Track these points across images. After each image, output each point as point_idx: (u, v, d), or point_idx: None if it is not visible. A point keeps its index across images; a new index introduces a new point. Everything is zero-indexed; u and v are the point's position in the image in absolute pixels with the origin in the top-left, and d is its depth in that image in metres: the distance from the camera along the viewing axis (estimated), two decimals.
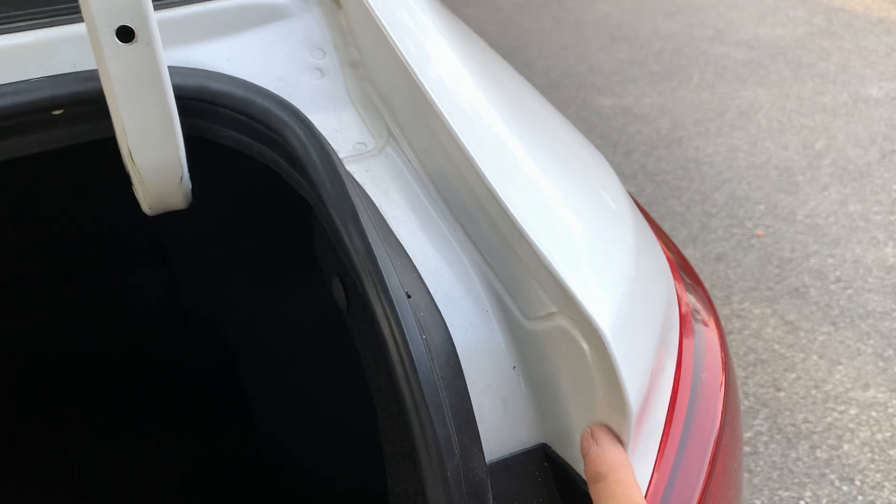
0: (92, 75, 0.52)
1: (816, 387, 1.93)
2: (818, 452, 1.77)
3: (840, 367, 1.96)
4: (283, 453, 1.28)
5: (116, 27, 0.45)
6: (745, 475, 1.74)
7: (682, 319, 0.59)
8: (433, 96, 0.56)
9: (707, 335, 0.59)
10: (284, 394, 1.22)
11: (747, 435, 1.83)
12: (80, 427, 1.39)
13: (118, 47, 0.45)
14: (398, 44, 0.59)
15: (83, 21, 0.55)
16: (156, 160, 0.50)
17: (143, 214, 1.40)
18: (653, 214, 2.51)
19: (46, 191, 1.18)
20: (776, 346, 2.04)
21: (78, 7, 0.56)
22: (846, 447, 1.78)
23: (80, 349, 1.48)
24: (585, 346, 0.43)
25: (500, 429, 0.48)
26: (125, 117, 0.47)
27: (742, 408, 1.89)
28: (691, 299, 0.64)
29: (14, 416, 1.39)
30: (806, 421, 1.85)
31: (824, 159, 2.76)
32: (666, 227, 2.46)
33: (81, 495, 1.29)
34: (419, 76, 0.57)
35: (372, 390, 0.57)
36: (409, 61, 0.58)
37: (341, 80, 0.61)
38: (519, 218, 0.49)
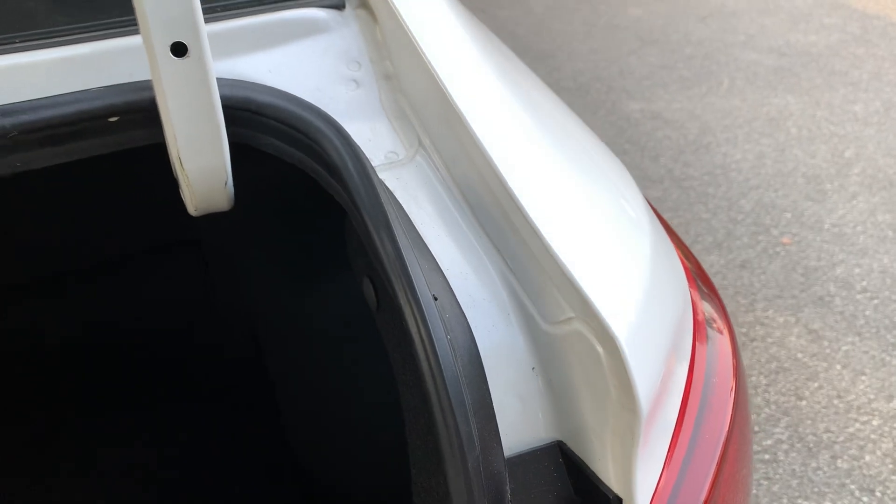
0: (145, 85, 0.56)
1: (839, 397, 1.92)
2: (839, 462, 1.77)
3: (864, 378, 1.95)
4: (307, 442, 1.32)
5: (171, 43, 0.49)
6: (765, 483, 1.75)
7: (697, 326, 0.62)
8: (461, 108, 0.59)
9: (720, 342, 0.62)
10: (310, 385, 1.26)
11: (767, 442, 1.83)
12: (114, 410, 1.45)
13: (172, 61, 0.49)
14: (429, 58, 0.62)
15: (136, 34, 0.59)
16: (203, 166, 0.53)
17: (178, 210, 1.45)
18: (678, 220, 2.52)
19: (91, 189, 1.24)
20: (799, 355, 2.03)
21: (131, 20, 0.60)
22: (868, 458, 1.77)
23: (117, 336, 1.54)
24: (601, 350, 0.46)
25: (519, 425, 0.51)
26: (176, 126, 0.51)
27: (763, 415, 1.89)
28: (707, 307, 0.66)
29: (58, 399, 1.45)
30: (827, 430, 1.84)
31: (853, 168, 2.74)
32: (691, 233, 2.47)
33: (117, 473, 1.34)
34: (448, 89, 0.60)
35: (399, 386, 0.60)
36: (440, 74, 0.61)
37: (375, 91, 0.65)
38: (540, 227, 0.52)
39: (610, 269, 0.52)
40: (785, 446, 1.81)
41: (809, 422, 1.87)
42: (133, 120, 0.55)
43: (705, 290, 0.69)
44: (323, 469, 1.23)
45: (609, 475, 0.49)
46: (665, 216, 2.52)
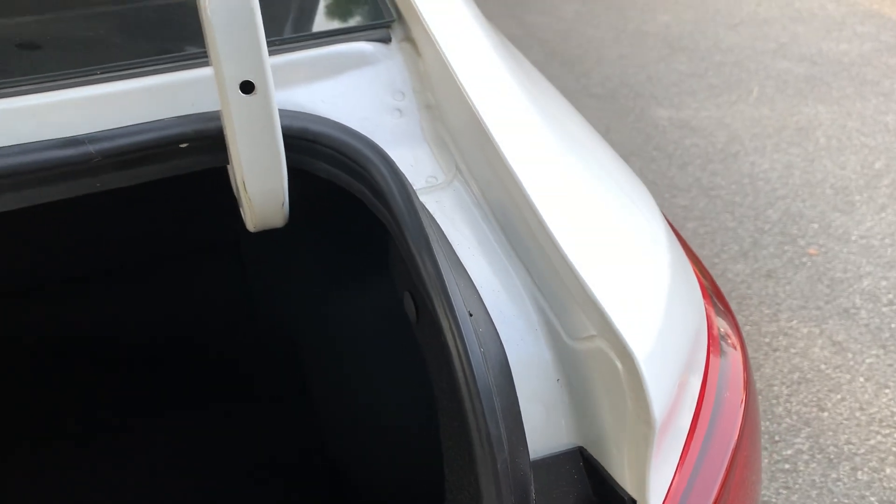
0: (213, 116, 0.62)
1: (861, 409, 1.94)
2: (859, 474, 1.79)
3: (887, 391, 1.97)
4: (340, 442, 1.38)
5: (240, 82, 0.55)
6: (784, 492, 1.78)
7: (712, 341, 0.66)
8: (495, 137, 0.65)
9: (733, 357, 0.66)
10: (343, 387, 1.32)
11: (787, 452, 1.86)
12: (151, 408, 1.51)
13: (241, 98, 0.55)
14: (467, 89, 0.68)
15: (198, 67, 0.65)
16: (264, 189, 0.60)
17: (220, 215, 1.52)
18: (705, 229, 2.54)
19: (139, 192, 1.32)
20: (822, 366, 2.05)
21: (193, 54, 0.67)
22: (888, 470, 1.79)
23: (158, 333, 1.62)
24: (620, 366, 0.51)
25: (543, 431, 0.57)
26: (242, 154, 0.57)
27: (784, 425, 1.92)
28: (721, 323, 0.71)
29: (95, 395, 1.53)
30: (848, 442, 1.86)
31: (883, 179, 2.74)
32: (717, 242, 2.49)
33: (153, 470, 1.41)
34: (483, 119, 0.66)
35: (435, 391, 0.66)
36: (476, 105, 0.67)
37: (417, 120, 0.70)
38: (566, 249, 0.57)
39: (630, 288, 0.57)
40: (805, 457, 1.84)
41: (831, 433, 1.89)
42: (200, 146, 0.62)
43: (720, 307, 0.73)
44: (355, 467, 1.29)
45: (625, 478, 0.54)
46: (691, 225, 2.56)
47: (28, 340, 1.55)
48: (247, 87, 0.55)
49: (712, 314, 0.70)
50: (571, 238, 0.58)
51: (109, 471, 1.41)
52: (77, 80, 0.62)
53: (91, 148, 0.58)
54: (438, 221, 0.63)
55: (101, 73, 0.63)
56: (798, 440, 1.87)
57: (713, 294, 0.75)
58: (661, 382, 0.52)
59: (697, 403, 0.60)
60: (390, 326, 1.01)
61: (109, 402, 1.52)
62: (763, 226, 2.55)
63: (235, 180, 0.63)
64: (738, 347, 0.68)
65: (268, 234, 1.45)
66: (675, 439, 0.57)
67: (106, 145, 0.58)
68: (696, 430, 0.58)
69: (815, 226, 2.53)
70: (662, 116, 3.20)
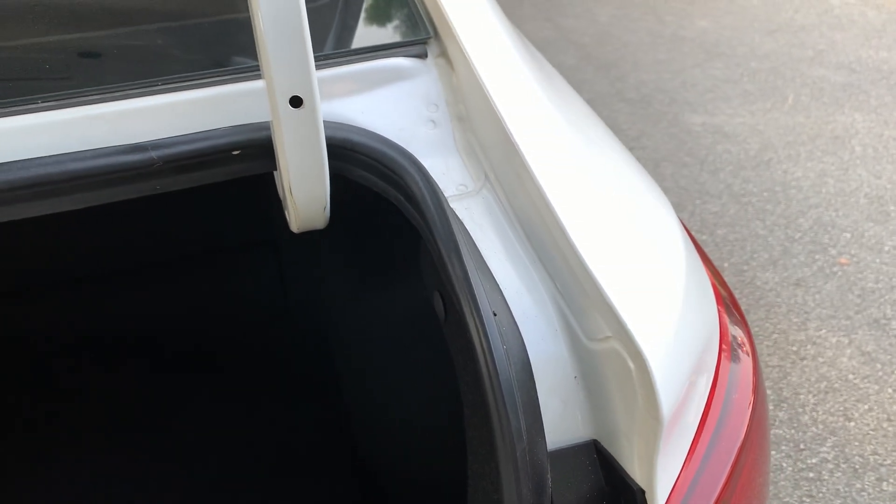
0: (263, 126, 0.68)
1: (889, 420, 1.94)
2: (885, 485, 1.79)
3: None
4: (368, 434, 1.43)
5: (290, 97, 0.60)
6: (807, 500, 1.78)
7: (724, 346, 0.70)
8: (521, 149, 0.69)
9: (744, 361, 0.70)
10: (373, 380, 1.37)
11: (812, 461, 1.86)
12: (183, 398, 1.58)
13: (290, 111, 0.60)
14: (496, 102, 0.72)
15: (249, 80, 0.71)
16: (309, 194, 0.65)
17: (259, 213, 1.58)
18: (735, 236, 2.55)
19: (190, 196, 1.38)
20: (850, 376, 2.05)
21: (246, 68, 0.72)
22: None
23: (196, 325, 1.69)
24: (632, 366, 0.56)
25: (560, 424, 0.61)
26: (290, 162, 0.63)
27: (809, 434, 1.92)
28: (735, 331, 0.75)
29: (141, 381, 1.60)
30: (875, 453, 1.86)
31: None
32: (747, 249, 2.49)
33: (184, 460, 1.47)
34: (511, 130, 0.70)
35: (460, 385, 0.71)
36: (504, 118, 0.71)
37: (450, 131, 0.75)
38: (585, 255, 0.61)
39: (645, 294, 0.61)
40: (830, 466, 1.84)
41: (857, 443, 1.89)
42: (251, 154, 0.68)
43: (735, 315, 0.77)
44: (382, 457, 1.34)
45: (635, 470, 0.58)
46: (721, 231, 2.56)
47: (70, 334, 1.63)
48: (295, 102, 0.60)
49: (726, 321, 0.74)
50: (590, 245, 0.62)
51: (138, 464, 1.46)
52: (141, 90, 0.68)
53: (154, 154, 0.64)
54: (467, 227, 0.68)
55: (163, 85, 0.69)
56: (823, 449, 1.88)
57: (728, 302, 0.78)
58: (670, 381, 0.56)
59: (706, 403, 0.63)
60: (418, 323, 1.06)
61: (142, 397, 1.58)
62: (794, 234, 2.55)
63: (282, 185, 0.68)
64: (750, 354, 0.72)
65: (304, 234, 1.51)
66: (683, 436, 0.61)
67: (167, 152, 0.64)
68: (704, 428, 0.62)
69: (848, 235, 2.52)
70: (696, 122, 3.20)
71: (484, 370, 0.57)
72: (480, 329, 0.57)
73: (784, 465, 1.85)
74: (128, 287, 1.64)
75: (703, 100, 3.37)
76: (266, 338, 1.69)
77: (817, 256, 2.44)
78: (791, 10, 4.22)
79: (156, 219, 1.52)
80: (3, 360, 1.57)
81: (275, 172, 0.73)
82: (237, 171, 0.69)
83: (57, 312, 1.62)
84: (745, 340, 0.74)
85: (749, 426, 0.63)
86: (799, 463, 1.85)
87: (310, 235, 1.48)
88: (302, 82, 0.60)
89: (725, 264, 2.45)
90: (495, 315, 0.58)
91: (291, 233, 1.59)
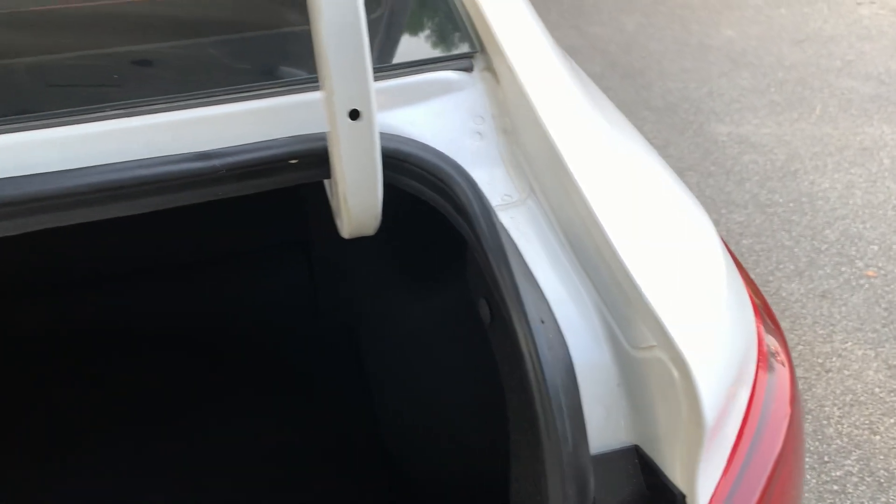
0: (320, 137, 0.70)
1: None
2: None
3: None
4: (397, 431, 1.46)
5: (349, 110, 0.63)
6: None
7: (761, 357, 0.72)
8: (567, 161, 0.71)
9: (780, 373, 0.71)
10: (404, 384, 1.40)
11: (836, 474, 1.86)
12: (213, 397, 1.60)
13: (348, 124, 0.63)
14: (542, 116, 0.75)
15: (304, 91, 0.74)
16: (362, 203, 0.68)
17: (292, 215, 1.61)
18: (761, 246, 2.55)
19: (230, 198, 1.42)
20: (876, 390, 2.05)
21: (304, 80, 0.75)
22: None
23: (228, 323, 1.72)
24: (676, 374, 0.58)
25: (603, 430, 0.63)
26: (347, 172, 0.65)
27: (834, 447, 1.92)
28: (771, 341, 0.76)
29: (173, 381, 1.63)
30: None
31: None
32: (773, 260, 2.49)
33: (213, 461, 1.50)
34: (556, 143, 0.73)
35: (504, 388, 0.73)
36: (550, 131, 0.74)
37: (495, 142, 0.78)
38: (629, 265, 0.63)
39: (688, 303, 0.63)
40: (855, 479, 1.84)
41: (882, 457, 1.89)
42: (308, 163, 0.71)
43: (770, 325, 0.78)
44: (414, 455, 1.36)
45: (676, 476, 0.60)
46: (747, 241, 2.56)
47: (107, 329, 1.67)
48: (354, 115, 0.63)
49: (762, 331, 0.76)
50: (634, 254, 0.64)
51: (167, 460, 1.50)
52: (202, 100, 0.71)
53: (217, 162, 0.67)
54: (512, 236, 0.70)
55: (225, 95, 0.72)
56: (848, 462, 1.87)
57: (763, 311, 0.80)
58: (712, 390, 0.58)
59: (745, 413, 0.65)
60: (453, 327, 1.08)
61: (167, 394, 1.61)
62: (820, 245, 2.54)
63: (335, 194, 0.71)
64: (786, 365, 0.74)
65: (338, 237, 1.54)
66: (723, 444, 0.63)
67: (230, 160, 0.67)
68: (743, 438, 0.64)
69: (875, 248, 2.51)
70: (722, 132, 3.20)
71: (532, 375, 0.59)
72: (528, 337, 0.59)
73: (808, 477, 1.85)
74: (158, 285, 1.67)
75: (729, 109, 3.37)
76: (295, 336, 1.72)
77: (844, 269, 2.44)
78: (819, 20, 4.20)
79: (191, 220, 1.56)
80: (46, 350, 1.62)
81: (325, 180, 0.76)
82: (292, 180, 0.72)
83: (93, 308, 1.66)
84: (781, 350, 0.76)
85: (786, 438, 0.65)
86: (823, 475, 1.85)
87: (344, 239, 1.51)
88: (361, 96, 0.62)
89: (751, 274, 2.45)
90: (542, 322, 0.61)
91: (322, 233, 1.61)
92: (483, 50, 0.84)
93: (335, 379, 1.65)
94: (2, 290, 1.56)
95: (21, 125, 0.66)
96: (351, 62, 0.61)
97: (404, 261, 1.28)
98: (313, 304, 1.73)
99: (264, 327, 1.73)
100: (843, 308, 2.28)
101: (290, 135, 0.70)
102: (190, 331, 1.70)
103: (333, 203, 0.75)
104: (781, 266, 2.46)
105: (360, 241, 1.41)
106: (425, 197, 0.74)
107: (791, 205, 2.74)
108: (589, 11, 4.41)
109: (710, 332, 0.62)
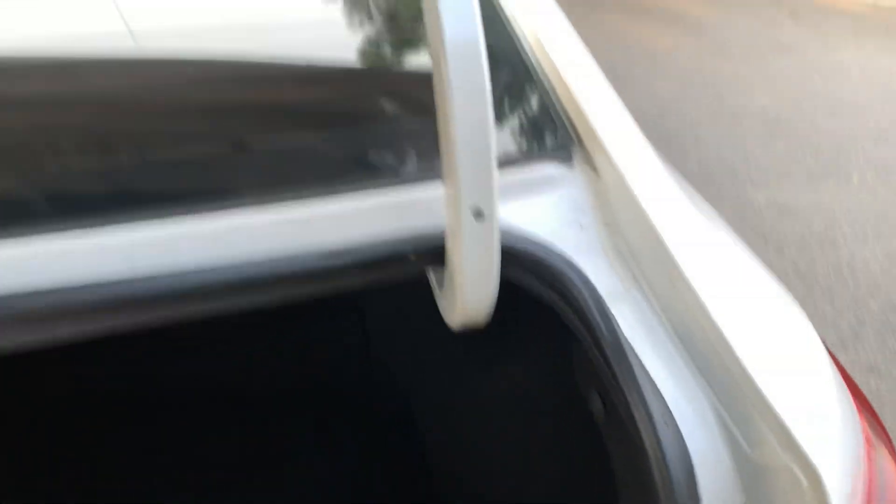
0: (437, 233, 0.73)
1: None
2: None
3: None
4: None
5: (474, 209, 0.65)
6: None
7: (868, 444, 0.71)
8: (673, 253, 0.73)
9: (885, 458, 0.71)
10: (463, 459, 1.39)
11: None
12: (257, 459, 1.60)
13: (473, 223, 0.66)
14: (646, 210, 0.77)
15: (424, 186, 0.77)
16: (478, 297, 0.70)
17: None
18: None
19: None
20: None
21: (416, 177, 0.78)
22: None
23: (278, 379, 1.72)
24: (804, 482, 0.58)
25: None
26: (467, 269, 0.67)
27: None
28: (874, 429, 0.76)
29: (221, 434, 1.63)
30: None
31: None
32: (816, 331, 2.47)
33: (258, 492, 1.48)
34: (662, 237, 0.75)
35: (618, 482, 0.73)
36: (656, 225, 0.76)
37: (597, 234, 0.80)
38: (748, 365, 0.64)
39: (805, 400, 0.64)
40: None
41: None
42: (426, 258, 0.73)
43: (867, 413, 0.78)
44: None
45: None
46: None
47: (162, 384, 1.68)
48: (478, 214, 0.66)
49: (861, 416, 0.76)
50: (751, 352, 0.65)
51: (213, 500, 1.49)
52: (328, 195, 0.74)
53: (338, 261, 0.69)
54: (623, 328, 0.72)
55: (345, 192, 0.75)
56: None
57: (854, 393, 0.80)
58: (840, 495, 0.58)
59: None
60: (515, 398, 1.08)
61: (216, 444, 1.61)
62: (864, 316, 2.52)
63: (450, 287, 0.73)
64: (891, 454, 0.73)
65: (393, 300, 1.53)
66: None
67: (357, 257, 0.70)
68: None
69: None
70: (759, 199, 3.22)
71: (657, 473, 0.60)
72: (654, 439, 0.60)
73: None
74: (210, 340, 1.68)
75: (766, 177, 3.39)
76: (343, 405, 1.71)
77: (889, 341, 2.41)
78: (851, 88, 4.25)
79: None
80: (87, 410, 1.62)
81: (431, 270, 0.78)
82: (408, 273, 0.74)
83: (141, 361, 1.66)
84: (884, 438, 0.75)
85: None
86: None
87: (398, 302, 1.51)
88: (485, 196, 0.65)
89: None
90: (666, 424, 0.62)
91: (375, 300, 1.61)
92: (580, 143, 0.87)
93: (388, 447, 1.63)
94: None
95: (170, 219, 0.69)
96: (479, 165, 0.64)
97: (486, 344, 1.27)
98: (366, 361, 1.72)
99: (313, 388, 1.72)
100: (892, 382, 2.25)
101: (407, 228, 0.73)
102: (237, 382, 1.70)
103: (440, 293, 0.77)
104: (825, 337, 2.44)
105: (418, 311, 1.41)
106: (533, 289, 0.76)
107: (832, 274, 2.74)
108: (624, 78, 4.49)
109: (830, 435, 0.62)
